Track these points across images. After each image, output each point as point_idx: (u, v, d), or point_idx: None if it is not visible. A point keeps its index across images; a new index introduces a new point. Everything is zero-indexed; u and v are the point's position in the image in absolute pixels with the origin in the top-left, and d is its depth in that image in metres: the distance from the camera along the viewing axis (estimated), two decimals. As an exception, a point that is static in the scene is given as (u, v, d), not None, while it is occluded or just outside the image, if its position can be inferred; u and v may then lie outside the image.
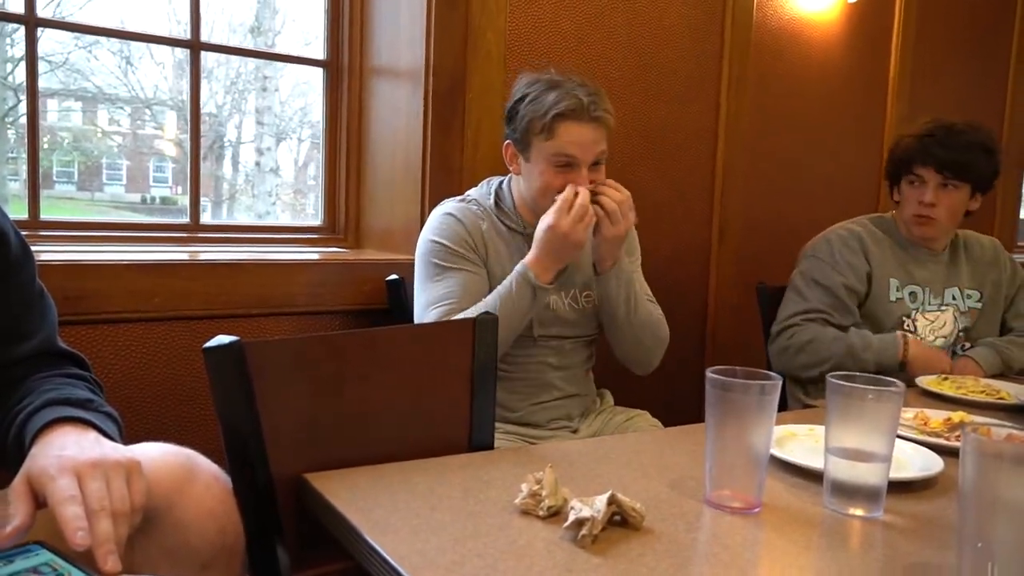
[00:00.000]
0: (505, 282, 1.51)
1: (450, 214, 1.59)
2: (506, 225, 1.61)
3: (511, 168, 1.62)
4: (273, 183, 2.44)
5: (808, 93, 2.69)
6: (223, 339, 0.96)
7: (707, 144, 2.44)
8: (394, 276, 1.82)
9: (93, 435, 0.89)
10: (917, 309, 1.93)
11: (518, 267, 1.51)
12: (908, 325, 1.92)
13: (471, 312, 1.45)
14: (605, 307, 1.61)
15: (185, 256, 1.72)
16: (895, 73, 2.90)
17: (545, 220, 1.49)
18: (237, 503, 0.94)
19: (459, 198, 1.66)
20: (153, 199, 2.50)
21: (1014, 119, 3.46)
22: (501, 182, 1.67)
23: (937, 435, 1.26)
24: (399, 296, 1.81)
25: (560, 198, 1.48)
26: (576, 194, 1.48)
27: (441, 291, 1.53)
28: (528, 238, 1.57)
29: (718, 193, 2.47)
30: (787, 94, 2.63)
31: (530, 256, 1.51)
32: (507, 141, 1.60)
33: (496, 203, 1.63)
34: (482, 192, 1.67)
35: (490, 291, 1.54)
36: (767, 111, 2.57)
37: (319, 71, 2.11)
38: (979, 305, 1.98)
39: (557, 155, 1.52)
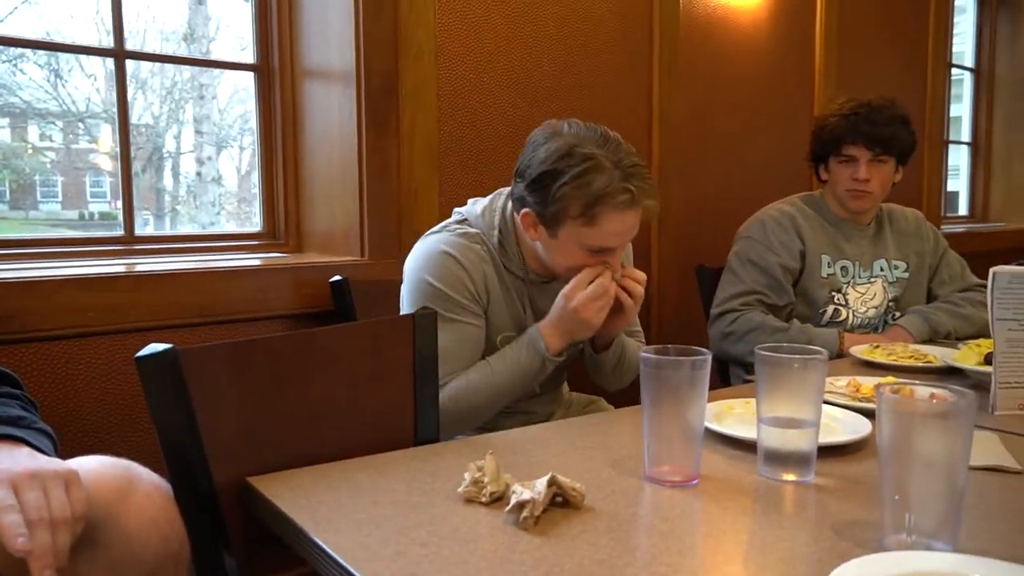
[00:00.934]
0: (514, 348, 1.42)
1: (450, 254, 1.41)
2: (508, 268, 1.47)
3: (527, 233, 1.42)
4: (216, 193, 2.40)
5: (738, 77, 2.74)
6: (156, 347, 0.95)
7: (642, 132, 2.48)
8: (338, 277, 1.81)
9: (26, 450, 0.88)
10: (848, 283, 1.99)
11: (531, 333, 1.42)
12: (839, 299, 1.97)
13: (475, 375, 1.40)
14: (591, 368, 1.57)
15: (121, 269, 1.68)
16: (820, 55, 2.98)
17: (569, 296, 1.37)
18: (180, 511, 0.93)
19: (456, 227, 1.47)
20: (92, 215, 2.43)
21: (935, 97, 3.58)
22: (505, 210, 1.47)
23: (868, 400, 1.30)
24: (343, 298, 1.80)
25: (583, 273, 1.37)
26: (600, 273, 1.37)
27: (439, 344, 1.36)
28: (531, 285, 1.48)
29: (655, 179, 2.50)
30: (717, 80, 2.68)
31: (545, 323, 1.41)
32: (525, 209, 1.38)
33: (500, 241, 1.46)
34: (485, 223, 1.47)
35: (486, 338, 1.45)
36: (699, 97, 2.62)
37: (252, 76, 2.08)
38: (906, 275, 2.05)
39: (595, 246, 1.37)
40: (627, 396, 1.84)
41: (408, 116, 1.95)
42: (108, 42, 1.88)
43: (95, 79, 2.14)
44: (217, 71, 2.18)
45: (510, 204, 1.46)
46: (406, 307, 1.46)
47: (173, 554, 0.92)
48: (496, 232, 1.46)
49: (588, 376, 1.65)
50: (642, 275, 1.45)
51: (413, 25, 1.94)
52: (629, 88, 2.43)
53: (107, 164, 2.22)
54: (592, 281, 1.38)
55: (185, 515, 0.94)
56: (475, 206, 1.52)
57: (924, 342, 1.88)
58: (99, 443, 1.59)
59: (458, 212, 1.54)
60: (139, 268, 1.70)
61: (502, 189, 1.52)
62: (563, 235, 1.36)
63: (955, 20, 3.97)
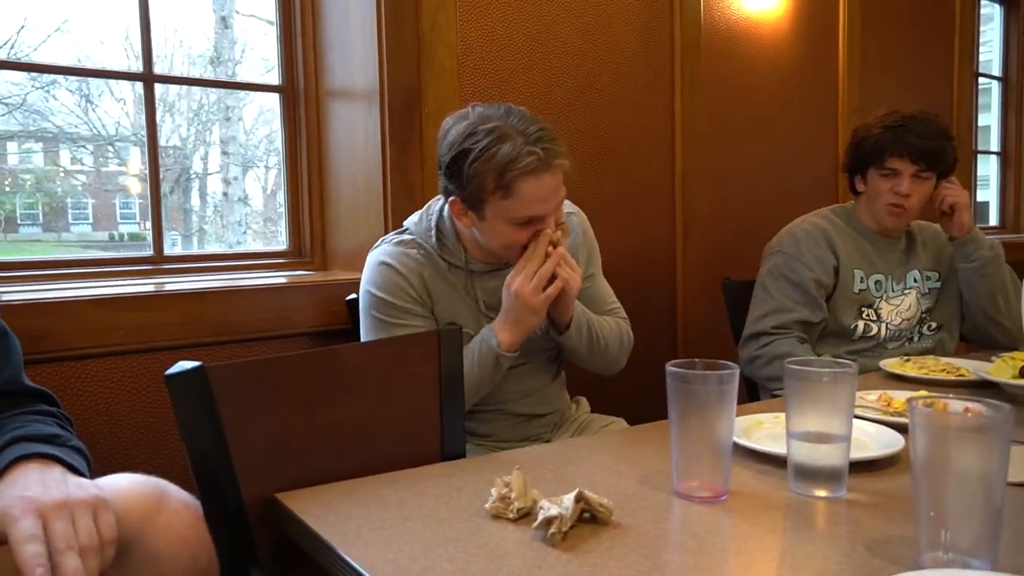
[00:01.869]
0: (470, 347, 1.43)
1: (388, 264, 1.46)
2: (449, 262, 1.50)
3: (460, 221, 1.46)
4: (242, 212, 2.43)
5: (761, 89, 2.73)
6: (185, 365, 0.96)
7: (665, 145, 2.47)
8: (354, 296, 1.80)
9: (58, 471, 0.89)
10: (880, 297, 1.95)
11: (484, 332, 1.44)
12: (868, 314, 1.94)
13: None
14: (570, 354, 1.58)
15: (150, 288, 1.71)
16: (844, 66, 2.96)
17: (510, 284, 1.41)
18: (209, 528, 0.94)
19: (395, 237, 1.53)
20: (121, 236, 2.48)
21: (962, 106, 3.54)
22: (441, 210, 1.52)
23: (900, 415, 1.28)
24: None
25: (522, 261, 1.41)
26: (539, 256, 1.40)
27: None
28: (473, 274, 1.50)
29: (679, 192, 2.50)
30: (740, 92, 2.67)
31: (497, 321, 1.44)
32: (452, 197, 1.42)
33: (438, 239, 1.50)
34: (421, 227, 1.52)
35: None
36: (721, 110, 2.61)
37: (278, 97, 2.11)
38: (939, 285, 2.02)
39: (518, 218, 1.39)
40: (651, 411, 1.84)
41: (431, 134, 1.96)
42: (137, 67, 1.92)
43: (124, 103, 2.19)
44: (243, 93, 2.22)
45: (444, 208, 1.51)
46: (361, 318, 1.51)
47: (202, 571, 0.92)
48: (433, 232, 1.50)
49: (608, 395, 1.65)
50: (575, 265, 1.46)
51: (435, 43, 1.96)
52: (652, 101, 2.43)
53: (136, 186, 2.26)
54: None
55: (214, 532, 0.94)
56: (414, 215, 1.57)
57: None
58: (130, 460, 1.61)
59: (397, 231, 1.58)
60: (168, 287, 1.72)
61: (432, 201, 1.57)
62: (489, 214, 1.39)
63: (982, 29, 3.93)
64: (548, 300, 1.41)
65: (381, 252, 1.50)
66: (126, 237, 2.47)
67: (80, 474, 0.91)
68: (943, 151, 1.89)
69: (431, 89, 1.96)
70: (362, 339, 1.50)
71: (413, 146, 1.94)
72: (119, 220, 2.44)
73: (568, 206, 1.61)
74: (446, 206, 1.49)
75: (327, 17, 2.06)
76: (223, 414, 0.98)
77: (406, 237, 1.52)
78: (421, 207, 1.82)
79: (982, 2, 3.93)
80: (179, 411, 0.97)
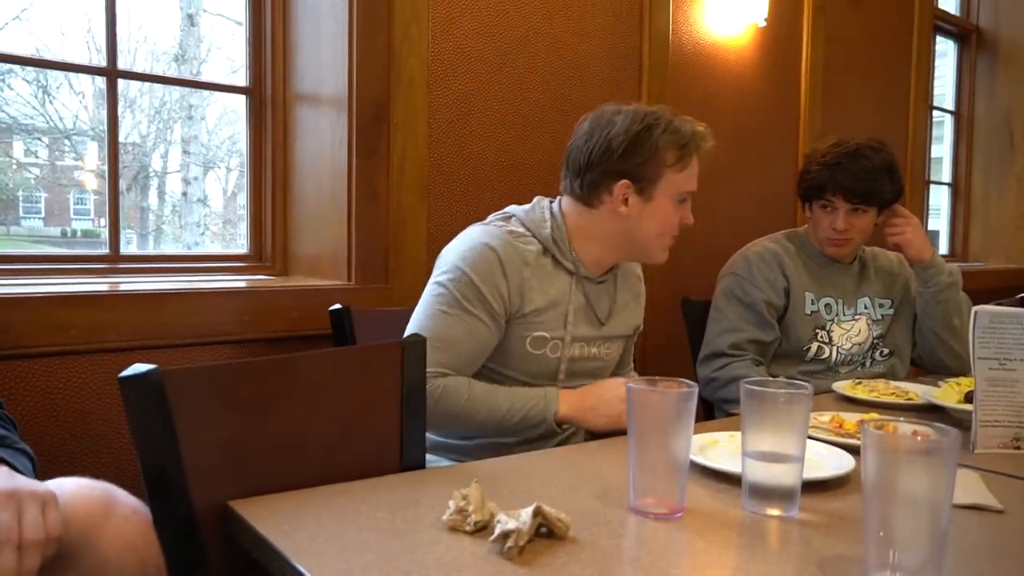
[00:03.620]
0: (528, 392, 1.40)
1: (491, 247, 1.40)
2: (555, 259, 1.47)
3: (617, 209, 1.45)
4: (201, 213, 2.39)
5: (725, 113, 2.78)
6: (140, 367, 0.94)
7: (630, 165, 2.50)
8: (337, 305, 1.75)
9: (5, 470, 0.86)
10: (832, 320, 2.00)
11: (549, 391, 1.40)
12: (822, 336, 1.99)
13: (480, 391, 1.38)
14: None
15: (104, 287, 1.67)
16: (806, 93, 3.04)
17: (617, 383, 1.39)
18: (158, 535, 0.92)
19: (501, 222, 1.49)
20: (74, 232, 2.42)
21: (916, 138, 3.65)
22: (552, 206, 1.52)
23: (851, 436, 1.31)
24: (343, 326, 1.73)
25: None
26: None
27: (444, 330, 1.38)
28: (581, 280, 1.49)
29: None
30: (704, 114, 2.67)
31: (571, 392, 1.41)
32: (621, 181, 1.43)
33: (552, 237, 1.47)
34: (535, 217, 1.49)
35: (499, 342, 1.43)
36: (687, 132, 2.65)
37: (244, 99, 2.09)
38: (891, 312, 2.08)
39: (686, 192, 1.47)
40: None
41: (399, 144, 1.96)
42: (98, 59, 1.89)
43: (83, 97, 2.14)
44: (207, 92, 2.19)
45: (555, 205, 1.52)
46: (433, 277, 1.46)
47: (150, 579, 0.90)
48: (548, 224, 1.48)
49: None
50: None
51: (406, 54, 1.96)
52: (618, 121, 2.46)
53: (92, 182, 2.21)
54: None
55: (163, 539, 0.93)
56: (517, 208, 1.54)
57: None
58: (78, 463, 1.57)
59: (501, 214, 1.54)
60: (124, 287, 1.69)
61: (539, 197, 1.56)
62: (659, 192, 1.45)
63: (936, 64, 4.07)
64: (620, 418, 1.32)
65: (486, 234, 1.44)
66: (79, 233, 2.42)
67: (25, 476, 0.88)
68: (878, 189, 1.93)
69: (400, 98, 1.96)
70: (415, 318, 1.44)
71: (380, 154, 1.94)
72: (73, 216, 2.38)
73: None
74: (557, 203, 1.52)
75: (298, 21, 2.05)
76: (177, 419, 0.96)
77: (516, 228, 1.47)
78: (386, 216, 1.80)
79: (937, 38, 4.07)
80: (132, 414, 0.95)
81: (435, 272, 1.47)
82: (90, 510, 0.88)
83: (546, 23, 2.26)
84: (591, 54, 2.38)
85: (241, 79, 2.10)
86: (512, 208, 1.54)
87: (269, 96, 2.07)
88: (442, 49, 2.05)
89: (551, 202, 1.53)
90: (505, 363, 1.47)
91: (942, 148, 4.50)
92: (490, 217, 1.54)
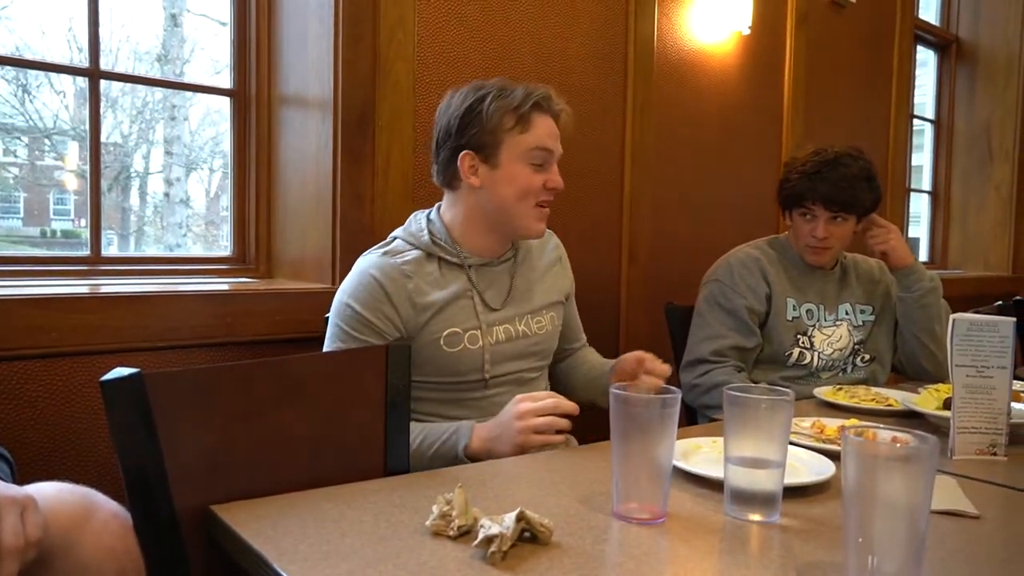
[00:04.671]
0: (442, 427, 1.38)
1: (371, 274, 1.44)
2: (442, 259, 1.49)
3: (469, 181, 1.47)
4: (183, 214, 2.38)
5: (709, 119, 2.81)
6: (122, 371, 0.94)
7: (615, 168, 2.52)
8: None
9: (-18, 475, 0.86)
10: (813, 325, 2.02)
11: (462, 425, 1.36)
12: (804, 342, 2.01)
13: None
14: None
15: (85, 289, 1.66)
16: (789, 101, 3.07)
17: (520, 399, 1.32)
18: (138, 541, 0.92)
19: (384, 246, 1.51)
20: (54, 232, 2.39)
21: (897, 147, 3.70)
22: (428, 214, 1.56)
23: (832, 442, 1.33)
24: None
25: (552, 401, 1.30)
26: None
27: None
28: (468, 269, 1.50)
29: (627, 217, 2.54)
30: (689, 120, 2.74)
31: (484, 425, 1.35)
32: (463, 153, 1.45)
33: (430, 237, 1.50)
34: (411, 230, 1.53)
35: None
36: (671, 137, 2.67)
37: (229, 101, 2.08)
38: (872, 319, 2.10)
39: (536, 150, 1.45)
40: (601, 431, 1.86)
41: (384, 147, 1.96)
42: (80, 59, 1.87)
43: (64, 96, 2.12)
44: (190, 92, 2.18)
45: (431, 212, 1.56)
46: (329, 326, 1.48)
47: (130, 585, 0.90)
48: (424, 232, 1.51)
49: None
50: (664, 369, 1.48)
51: (392, 58, 1.96)
52: (604, 125, 2.47)
53: (73, 182, 2.19)
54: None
55: (144, 545, 0.92)
56: (397, 230, 1.58)
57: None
58: (58, 468, 1.55)
59: (385, 241, 1.57)
60: (105, 289, 1.67)
61: (416, 212, 1.60)
62: (504, 155, 1.45)
63: (916, 73, 4.12)
64: (527, 442, 1.28)
65: (367, 263, 1.48)
66: (59, 234, 2.39)
67: (2, 481, 0.88)
68: (857, 197, 1.95)
69: (386, 103, 1.96)
70: (324, 349, 1.47)
71: (365, 158, 1.93)
72: (52, 216, 2.36)
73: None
74: (433, 210, 1.55)
75: (283, 23, 2.04)
76: (159, 423, 0.96)
77: (395, 245, 1.51)
78: (371, 219, 1.81)
79: (918, 48, 4.12)
80: (113, 418, 0.94)
81: (331, 312, 1.49)
82: (70, 515, 0.87)
83: (532, 29, 2.27)
84: (576, 60, 2.39)
85: (225, 80, 2.09)
86: (394, 232, 1.57)
87: (254, 98, 2.06)
88: (428, 54, 2.05)
89: (427, 211, 1.57)
90: (430, 372, 1.47)
91: (922, 156, 4.56)
92: (371, 248, 1.55)
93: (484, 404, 1.50)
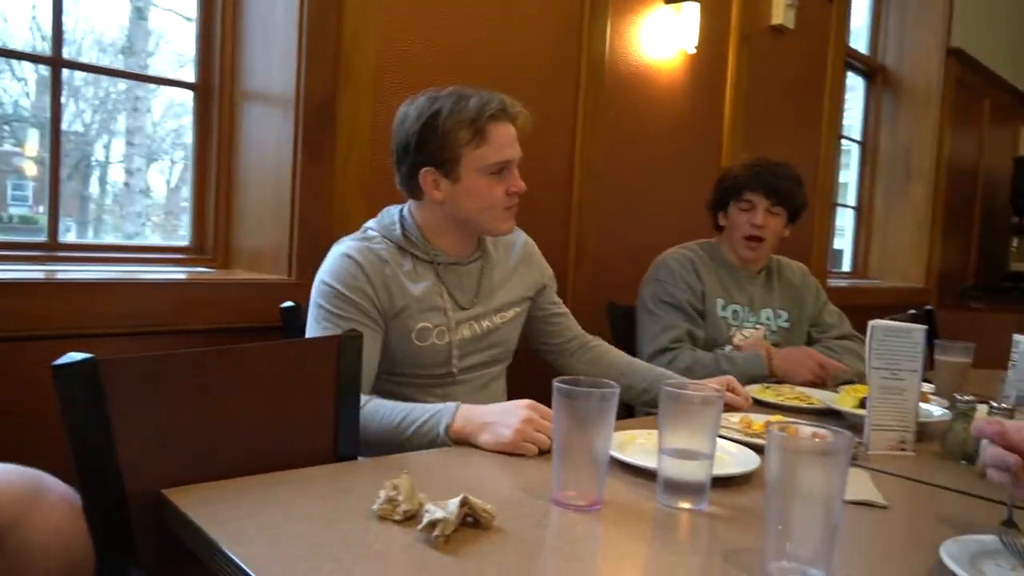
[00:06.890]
0: (427, 407, 1.28)
1: (348, 255, 1.42)
2: (414, 255, 1.47)
3: (432, 196, 1.44)
4: (143, 204, 2.31)
5: (654, 132, 2.84)
6: (75, 356, 0.91)
7: (564, 176, 2.53)
8: (290, 303, 1.68)
9: (-71, 457, 0.82)
10: (737, 326, 2.09)
11: (445, 407, 1.26)
12: (733, 336, 2.07)
13: (374, 404, 1.30)
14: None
15: (41, 275, 1.60)
16: (729, 116, 3.12)
17: (520, 402, 1.23)
18: (88, 522, 0.89)
19: (359, 235, 1.49)
20: (11, 218, 2.31)
21: (826, 164, 3.80)
22: (401, 210, 1.53)
23: (758, 436, 1.35)
24: (294, 324, 1.65)
25: (533, 417, 1.19)
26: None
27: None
28: (438, 267, 1.48)
29: (574, 221, 2.56)
30: (636, 132, 2.77)
31: (470, 408, 1.25)
32: (423, 169, 1.42)
33: (402, 233, 1.48)
34: (384, 223, 1.50)
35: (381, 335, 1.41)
36: (618, 147, 2.70)
37: (192, 94, 2.03)
38: (787, 324, 2.16)
39: (495, 164, 1.41)
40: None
41: (343, 144, 1.93)
42: (43, 46, 1.81)
43: (26, 83, 2.05)
44: (153, 84, 2.12)
45: (404, 208, 1.52)
46: (309, 308, 1.45)
47: (77, 566, 0.87)
48: (397, 227, 1.48)
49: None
50: (741, 403, 1.53)
51: (354, 56, 1.93)
52: (555, 134, 2.49)
53: (32, 169, 2.11)
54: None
55: (93, 526, 0.89)
56: (371, 222, 1.55)
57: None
58: (9, 451, 1.48)
59: (358, 231, 1.54)
60: (60, 275, 1.62)
61: (388, 206, 1.56)
62: (464, 171, 1.41)
63: (846, 97, 4.24)
64: (519, 439, 1.18)
65: (344, 246, 1.45)
66: (16, 219, 2.31)
67: (-49, 462, 0.84)
68: (793, 191, 2.08)
69: (346, 99, 1.93)
70: (307, 334, 1.43)
71: (325, 153, 1.91)
72: (10, 202, 2.27)
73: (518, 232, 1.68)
74: (405, 207, 1.52)
75: (248, 19, 2.00)
76: (111, 408, 0.93)
77: (369, 234, 1.49)
78: (329, 213, 1.78)
79: (848, 73, 4.24)
80: (65, 403, 0.91)
81: (311, 296, 1.46)
82: (18, 495, 0.85)
83: (488, 37, 2.26)
84: (531, 68, 2.39)
85: (189, 74, 2.04)
86: (367, 223, 1.55)
87: (216, 91, 2.02)
88: (389, 53, 2.03)
89: (400, 207, 1.54)
90: (400, 363, 1.46)
91: (849, 174, 4.70)
92: (346, 236, 1.52)
93: (450, 398, 1.42)
